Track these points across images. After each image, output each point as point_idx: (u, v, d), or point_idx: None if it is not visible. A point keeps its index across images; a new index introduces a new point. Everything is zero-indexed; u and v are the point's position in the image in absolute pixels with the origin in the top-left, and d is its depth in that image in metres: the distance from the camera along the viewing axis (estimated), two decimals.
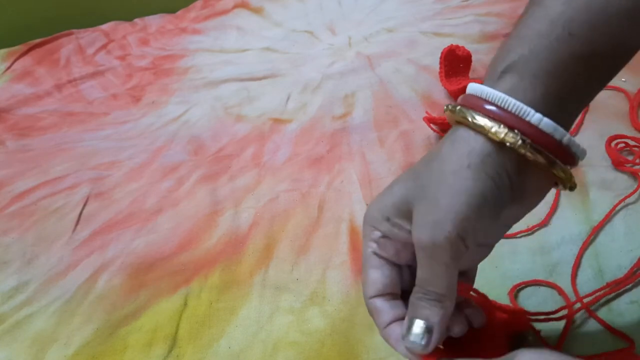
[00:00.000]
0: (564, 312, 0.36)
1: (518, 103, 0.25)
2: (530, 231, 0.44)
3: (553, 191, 0.47)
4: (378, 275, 0.29)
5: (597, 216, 0.44)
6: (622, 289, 0.37)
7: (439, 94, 0.66)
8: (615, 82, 0.58)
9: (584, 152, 0.27)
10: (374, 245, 0.29)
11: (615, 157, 0.48)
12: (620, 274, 0.38)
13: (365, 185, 0.54)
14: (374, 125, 0.63)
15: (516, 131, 0.25)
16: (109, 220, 0.57)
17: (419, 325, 0.27)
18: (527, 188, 0.27)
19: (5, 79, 0.94)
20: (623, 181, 0.46)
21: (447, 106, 0.27)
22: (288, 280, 0.46)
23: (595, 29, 0.25)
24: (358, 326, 0.40)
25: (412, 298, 0.28)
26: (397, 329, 0.29)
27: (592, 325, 0.36)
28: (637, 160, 0.47)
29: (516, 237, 0.44)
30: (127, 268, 0.51)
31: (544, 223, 0.44)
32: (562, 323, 0.36)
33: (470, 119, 0.26)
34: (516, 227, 0.44)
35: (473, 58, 0.65)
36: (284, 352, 0.40)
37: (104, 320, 0.46)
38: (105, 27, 1.07)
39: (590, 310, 0.36)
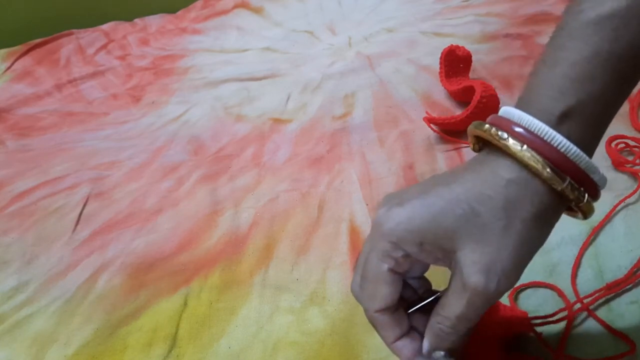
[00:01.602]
0: (563, 313, 0.36)
1: (588, 160, 0.25)
2: None
3: None
4: (389, 291, 0.28)
5: (597, 216, 0.44)
6: (622, 290, 0.37)
7: (439, 94, 0.66)
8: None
9: (604, 183, 0.27)
10: (392, 262, 0.28)
11: (615, 157, 0.48)
12: (620, 274, 0.38)
13: (365, 185, 0.54)
14: (374, 125, 0.63)
15: (582, 189, 0.26)
16: (109, 220, 0.57)
17: (441, 354, 0.28)
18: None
19: (5, 79, 0.94)
20: (623, 181, 0.46)
21: (500, 132, 0.26)
22: (288, 280, 0.46)
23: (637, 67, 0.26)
24: (358, 326, 0.40)
25: (438, 330, 0.28)
26: (406, 344, 0.29)
27: (592, 325, 0.36)
28: (637, 161, 0.47)
29: None
30: (127, 268, 0.51)
31: None
32: (563, 324, 0.36)
33: (535, 165, 0.25)
34: None
35: (473, 58, 0.66)
36: (284, 352, 0.40)
37: (104, 320, 0.46)
38: (105, 27, 1.08)
39: (591, 310, 0.36)
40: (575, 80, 0.25)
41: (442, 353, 0.28)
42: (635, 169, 0.46)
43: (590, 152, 0.26)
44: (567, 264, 0.40)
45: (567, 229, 0.43)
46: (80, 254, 0.54)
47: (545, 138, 0.25)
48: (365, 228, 0.49)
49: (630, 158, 0.48)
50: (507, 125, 0.26)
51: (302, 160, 0.60)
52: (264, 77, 0.81)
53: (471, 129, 0.28)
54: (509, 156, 0.26)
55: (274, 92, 0.76)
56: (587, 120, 0.26)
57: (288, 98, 0.74)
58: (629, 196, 0.44)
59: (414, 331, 0.30)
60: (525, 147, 0.25)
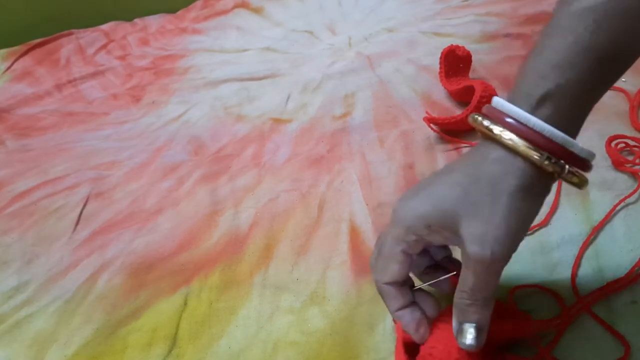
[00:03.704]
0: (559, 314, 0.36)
1: (564, 136, 0.28)
2: (531, 231, 0.44)
3: (553, 191, 0.47)
4: (398, 268, 0.33)
5: (597, 216, 0.44)
6: (622, 289, 0.37)
7: (439, 94, 0.66)
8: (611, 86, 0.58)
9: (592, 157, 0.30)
10: (405, 245, 0.32)
11: (615, 157, 0.48)
12: (620, 274, 0.38)
13: (365, 185, 0.54)
14: (374, 125, 0.63)
15: (562, 162, 0.28)
16: (109, 220, 0.57)
17: (471, 330, 0.31)
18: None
19: (5, 79, 0.94)
20: (623, 181, 0.46)
21: (485, 121, 0.30)
22: (288, 280, 0.46)
23: (620, 57, 0.29)
24: (358, 326, 0.40)
25: (461, 304, 0.31)
26: (407, 313, 0.34)
27: (591, 325, 0.36)
28: (637, 160, 0.47)
29: None
30: (127, 268, 0.51)
31: (544, 223, 0.44)
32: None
33: (514, 144, 0.28)
34: None
35: (473, 58, 0.66)
36: (284, 352, 0.40)
37: (104, 320, 0.46)
38: (105, 27, 1.07)
39: (591, 310, 0.36)
40: (556, 67, 0.28)
41: (469, 325, 0.31)
42: (635, 168, 0.46)
43: (571, 131, 0.29)
44: (567, 263, 0.40)
45: (567, 229, 0.43)
46: (80, 254, 0.54)
47: (521, 121, 0.28)
48: (366, 228, 0.49)
49: (630, 158, 0.48)
50: (493, 114, 0.30)
51: (302, 160, 0.60)
52: (264, 77, 0.81)
53: (470, 121, 0.32)
54: (493, 140, 0.29)
55: (274, 92, 0.76)
56: (565, 104, 0.28)
57: (288, 98, 0.73)
58: (629, 196, 0.44)
59: (416, 305, 0.34)
60: (504, 130, 0.29)
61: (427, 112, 0.61)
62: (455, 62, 0.65)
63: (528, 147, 0.28)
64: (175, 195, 0.59)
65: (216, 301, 0.45)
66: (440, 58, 0.65)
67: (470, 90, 0.58)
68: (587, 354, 0.34)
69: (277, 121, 0.69)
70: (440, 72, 0.66)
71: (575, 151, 0.29)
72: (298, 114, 0.69)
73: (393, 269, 0.33)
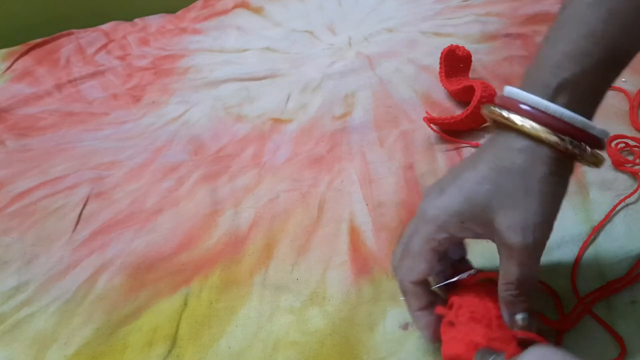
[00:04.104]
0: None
1: (583, 119, 0.29)
2: None
3: None
4: (425, 267, 0.33)
5: (597, 216, 0.44)
6: (623, 289, 0.37)
7: (439, 94, 0.66)
8: (615, 82, 0.58)
9: (606, 135, 0.31)
10: (435, 244, 0.32)
11: (615, 157, 0.48)
12: (620, 274, 0.38)
13: (365, 185, 0.54)
14: (374, 125, 0.63)
15: (583, 144, 0.29)
16: (109, 220, 0.57)
17: (523, 318, 0.31)
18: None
19: (5, 79, 0.94)
20: (623, 181, 0.46)
21: (504, 112, 0.31)
22: (288, 280, 0.46)
23: (631, 46, 0.30)
24: (358, 326, 0.40)
25: (508, 296, 0.31)
26: (425, 315, 0.34)
27: (592, 325, 0.36)
28: (637, 161, 0.47)
29: None
30: (127, 268, 0.51)
31: None
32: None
33: (537, 132, 0.29)
34: None
35: (473, 58, 0.66)
36: (284, 352, 0.40)
37: (104, 320, 0.46)
38: (105, 27, 1.08)
39: (591, 311, 0.36)
40: (571, 56, 0.29)
41: (521, 315, 0.31)
42: (635, 168, 0.46)
43: (588, 114, 0.30)
44: (567, 263, 0.40)
45: (567, 229, 0.43)
46: (80, 254, 0.54)
47: (541, 109, 0.29)
48: (366, 228, 0.49)
49: (630, 158, 0.48)
50: (510, 103, 0.30)
51: (302, 160, 0.60)
52: (264, 77, 0.81)
53: (484, 112, 0.32)
54: (514, 130, 0.30)
55: (274, 92, 0.76)
56: (581, 91, 0.29)
57: (288, 98, 0.73)
58: (629, 196, 0.44)
59: (433, 306, 0.34)
60: (524, 119, 0.29)
61: (427, 112, 0.60)
62: (455, 62, 0.65)
63: (550, 133, 0.29)
64: (175, 195, 0.59)
65: (216, 301, 0.45)
66: (440, 58, 0.65)
67: (470, 90, 0.58)
68: (586, 353, 0.34)
69: (277, 121, 0.69)
70: (440, 72, 0.66)
71: (594, 133, 0.30)
72: (298, 114, 0.69)
73: (421, 268, 0.33)
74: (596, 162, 0.30)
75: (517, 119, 0.30)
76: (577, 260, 0.40)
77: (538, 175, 0.29)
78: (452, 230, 0.32)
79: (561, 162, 0.30)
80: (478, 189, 0.31)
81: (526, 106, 0.30)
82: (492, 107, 0.31)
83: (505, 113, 0.30)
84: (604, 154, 0.31)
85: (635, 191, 0.45)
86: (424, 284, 0.34)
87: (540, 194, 0.29)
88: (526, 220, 0.29)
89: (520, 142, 0.30)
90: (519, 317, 0.31)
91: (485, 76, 0.66)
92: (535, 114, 0.29)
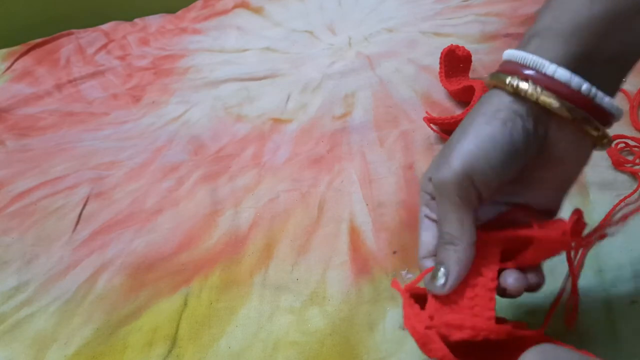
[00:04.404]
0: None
1: (534, 58, 0.27)
2: None
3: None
4: (429, 237, 0.31)
5: (597, 216, 0.44)
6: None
7: (439, 94, 0.66)
8: None
9: (617, 109, 0.28)
10: (426, 209, 0.31)
11: (615, 157, 0.48)
12: (620, 273, 0.38)
13: (365, 185, 0.54)
14: (374, 125, 0.63)
15: (530, 81, 0.26)
16: (109, 220, 0.58)
17: (440, 271, 0.29)
18: (555, 142, 0.28)
19: (5, 79, 0.94)
20: (623, 181, 0.46)
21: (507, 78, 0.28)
22: (288, 280, 0.46)
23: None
24: (358, 326, 0.40)
25: (434, 248, 0.30)
26: (431, 263, 0.31)
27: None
28: (637, 161, 0.47)
29: None
30: (127, 268, 0.51)
31: None
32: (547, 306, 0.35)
33: (490, 78, 0.28)
34: None
35: (473, 58, 0.65)
36: (284, 352, 0.40)
37: (104, 320, 0.46)
38: (105, 27, 1.08)
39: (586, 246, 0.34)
40: (547, 7, 0.28)
41: (442, 267, 0.29)
42: (635, 168, 0.46)
43: (566, 63, 0.27)
44: (567, 264, 0.40)
45: None
46: (80, 254, 0.54)
47: (505, 58, 0.28)
48: (366, 228, 0.49)
49: (630, 158, 0.48)
50: (503, 65, 0.29)
51: (302, 160, 0.60)
52: (264, 77, 0.81)
53: (489, 81, 0.30)
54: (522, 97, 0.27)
55: (274, 92, 0.76)
56: (552, 36, 0.27)
57: (288, 98, 0.73)
58: (629, 196, 0.44)
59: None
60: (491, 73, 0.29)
61: (427, 112, 0.61)
62: (455, 62, 0.65)
63: (497, 75, 0.28)
64: (175, 195, 0.59)
65: (216, 301, 0.45)
66: (440, 58, 0.65)
67: (470, 90, 0.58)
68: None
69: (277, 121, 0.69)
70: (440, 72, 0.66)
71: (547, 71, 0.27)
72: (298, 114, 0.69)
73: (424, 239, 0.31)
74: (600, 138, 0.27)
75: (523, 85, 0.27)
76: (580, 260, 0.40)
77: (473, 117, 0.28)
78: (427, 189, 0.30)
79: (505, 104, 0.27)
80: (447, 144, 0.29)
81: (504, 62, 0.28)
82: (497, 74, 0.29)
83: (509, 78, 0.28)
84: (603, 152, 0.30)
85: (635, 191, 0.45)
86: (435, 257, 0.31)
87: (465, 133, 0.27)
88: (447, 155, 0.27)
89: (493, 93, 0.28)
90: (438, 266, 0.29)
91: (485, 76, 0.66)
92: (503, 65, 0.28)
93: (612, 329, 0.35)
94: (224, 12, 1.08)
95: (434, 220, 0.31)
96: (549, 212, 0.31)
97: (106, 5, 1.14)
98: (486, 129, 0.27)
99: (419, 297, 0.31)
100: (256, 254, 0.49)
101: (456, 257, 0.28)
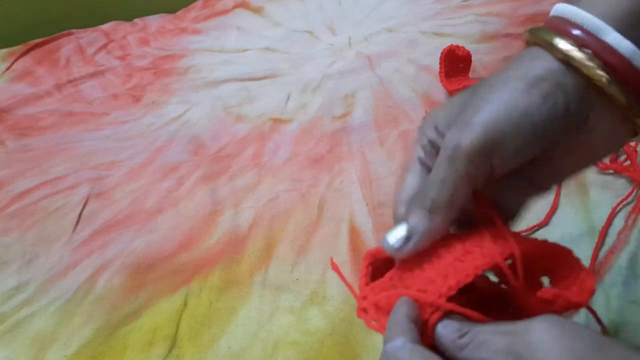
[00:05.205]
0: None
1: (595, 20, 0.22)
2: (530, 231, 0.44)
3: (553, 191, 0.47)
4: (414, 182, 0.27)
5: (597, 216, 0.44)
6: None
7: (439, 94, 0.66)
8: None
9: None
10: (420, 151, 0.27)
11: (612, 158, 0.48)
12: (620, 273, 0.38)
13: (365, 185, 0.54)
14: (374, 125, 0.63)
15: (587, 50, 0.22)
16: (109, 220, 0.57)
17: (401, 230, 0.25)
18: (594, 126, 0.23)
19: (5, 79, 0.94)
20: (623, 181, 0.46)
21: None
22: (288, 280, 0.46)
23: None
24: (358, 326, 0.40)
25: (410, 200, 0.26)
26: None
27: None
28: (627, 163, 0.47)
29: None
30: (127, 268, 0.51)
31: (544, 223, 0.44)
32: None
33: (531, 34, 0.24)
34: (516, 227, 0.44)
35: (473, 58, 0.65)
36: (284, 352, 0.40)
37: (104, 320, 0.46)
38: (105, 27, 1.08)
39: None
40: None
41: (405, 227, 0.25)
42: (625, 165, 0.46)
43: (625, 29, 0.22)
44: None
45: (567, 229, 0.43)
46: (80, 254, 0.54)
47: (554, 14, 0.24)
48: (366, 228, 0.49)
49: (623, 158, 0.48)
50: (550, 21, 0.24)
51: (302, 160, 0.60)
52: (264, 77, 0.81)
53: (528, 37, 0.25)
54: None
55: (274, 92, 0.76)
56: None
57: (288, 98, 0.74)
58: (627, 197, 0.44)
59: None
60: (533, 28, 0.24)
61: (427, 112, 0.61)
62: (455, 62, 0.65)
63: (542, 33, 0.23)
64: (175, 195, 0.59)
65: (216, 301, 0.45)
66: (440, 58, 0.65)
67: None
68: None
69: (277, 121, 0.69)
70: (440, 72, 0.66)
71: (608, 40, 0.22)
72: (298, 114, 0.69)
73: (410, 182, 0.27)
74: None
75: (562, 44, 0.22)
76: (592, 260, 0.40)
77: (507, 77, 0.23)
78: (430, 134, 0.26)
79: (549, 71, 0.23)
80: (463, 94, 0.25)
81: (552, 17, 0.23)
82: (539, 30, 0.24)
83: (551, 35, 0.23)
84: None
85: (632, 191, 0.45)
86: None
87: (496, 97, 0.23)
88: (471, 117, 0.23)
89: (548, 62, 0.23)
90: (401, 223, 0.25)
91: (485, 76, 0.66)
92: (550, 20, 0.23)
93: (612, 329, 0.35)
94: (224, 12, 1.08)
95: (425, 166, 0.27)
96: (540, 188, 0.27)
97: (106, 5, 1.14)
98: (522, 100, 0.22)
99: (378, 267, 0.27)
100: (256, 254, 0.49)
101: (428, 227, 0.25)
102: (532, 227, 0.44)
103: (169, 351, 0.42)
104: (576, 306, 0.24)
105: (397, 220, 0.26)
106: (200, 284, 0.47)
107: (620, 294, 0.37)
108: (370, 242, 0.47)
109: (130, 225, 0.56)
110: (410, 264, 0.26)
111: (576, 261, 0.25)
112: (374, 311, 0.26)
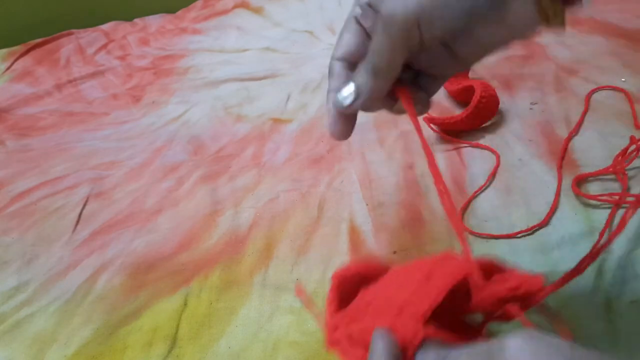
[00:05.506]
0: None
1: None
2: (530, 231, 0.44)
3: (553, 191, 0.47)
4: (350, 40, 0.30)
5: (597, 216, 0.44)
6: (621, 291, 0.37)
7: (439, 93, 0.65)
8: (615, 82, 0.58)
9: None
10: (358, 10, 0.30)
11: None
12: (619, 273, 0.38)
13: (365, 185, 0.54)
14: (374, 125, 0.63)
15: None
16: (109, 220, 0.57)
17: (350, 88, 0.29)
18: (510, 5, 0.26)
19: (5, 79, 0.94)
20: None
21: None
22: (288, 280, 0.46)
23: None
24: None
25: (358, 64, 0.29)
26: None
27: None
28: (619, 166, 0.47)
29: (516, 237, 0.44)
30: (127, 268, 0.51)
31: (544, 223, 0.44)
32: None
33: None
34: (516, 227, 0.44)
35: None
36: (284, 352, 0.40)
37: (103, 320, 0.46)
38: (105, 27, 1.08)
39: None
40: None
41: (353, 86, 0.29)
42: (617, 168, 0.46)
43: None
44: (567, 263, 0.40)
45: (567, 229, 0.43)
46: (80, 254, 0.54)
47: None
48: (366, 228, 0.49)
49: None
50: None
51: (302, 160, 0.60)
52: (264, 77, 0.81)
53: None
54: None
55: (274, 92, 0.76)
56: None
57: (288, 98, 0.74)
58: (623, 197, 0.44)
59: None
60: None
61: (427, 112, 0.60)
62: None
63: None
64: (175, 195, 0.59)
65: (216, 301, 0.45)
66: None
67: (470, 90, 0.58)
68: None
69: (277, 121, 0.69)
70: None
71: None
72: (298, 114, 0.69)
73: (346, 40, 0.30)
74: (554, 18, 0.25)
75: None
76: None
77: None
78: None
79: None
80: None
81: None
82: None
83: None
84: None
85: (623, 191, 0.45)
86: (349, 63, 0.31)
87: None
88: None
89: None
90: (349, 83, 0.29)
91: (485, 76, 0.66)
92: None
93: (612, 329, 0.35)
94: (224, 12, 1.08)
95: (362, 27, 0.30)
96: (463, 63, 0.31)
97: (106, 5, 1.14)
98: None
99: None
100: (256, 254, 0.49)
101: (371, 87, 0.29)
102: (532, 227, 0.44)
103: (169, 351, 0.42)
104: (536, 284, 0.24)
105: (331, 75, 0.31)
106: (200, 284, 0.47)
107: (621, 293, 0.37)
108: (371, 242, 0.47)
109: (130, 225, 0.56)
110: (379, 287, 0.26)
111: (524, 273, 0.25)
112: (346, 343, 0.26)
